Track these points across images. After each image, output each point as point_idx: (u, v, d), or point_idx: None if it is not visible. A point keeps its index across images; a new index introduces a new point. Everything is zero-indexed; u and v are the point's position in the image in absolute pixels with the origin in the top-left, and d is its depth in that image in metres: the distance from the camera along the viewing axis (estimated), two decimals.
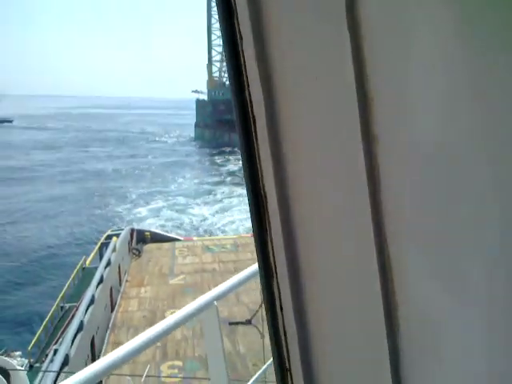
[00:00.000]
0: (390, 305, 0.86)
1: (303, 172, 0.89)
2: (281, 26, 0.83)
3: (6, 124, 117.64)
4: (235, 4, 0.84)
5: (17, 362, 5.00)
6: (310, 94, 0.85)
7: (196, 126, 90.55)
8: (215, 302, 1.89)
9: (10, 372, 4.82)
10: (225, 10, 0.86)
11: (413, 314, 0.86)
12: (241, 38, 0.85)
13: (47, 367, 8.44)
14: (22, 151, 68.27)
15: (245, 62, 0.87)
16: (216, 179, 50.12)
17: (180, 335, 12.77)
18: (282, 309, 0.95)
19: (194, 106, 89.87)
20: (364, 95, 0.80)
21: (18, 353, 5.15)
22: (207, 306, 1.88)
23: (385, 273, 0.85)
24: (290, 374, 0.98)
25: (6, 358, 4.94)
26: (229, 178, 50.23)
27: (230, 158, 65.72)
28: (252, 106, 0.90)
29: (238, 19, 0.84)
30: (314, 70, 0.83)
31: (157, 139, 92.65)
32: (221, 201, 39.80)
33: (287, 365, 0.98)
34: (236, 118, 0.95)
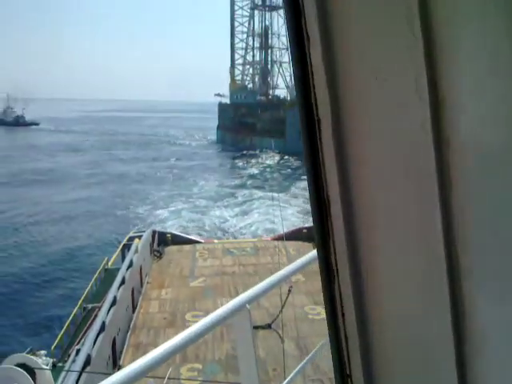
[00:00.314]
0: (457, 314, 0.84)
1: (368, 175, 0.87)
2: (349, 27, 0.82)
3: (33, 127, 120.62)
4: (303, 5, 0.83)
5: (42, 361, 5.11)
6: (378, 96, 0.83)
7: (218, 128, 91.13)
8: (247, 305, 1.87)
9: (36, 371, 4.95)
10: (292, 10, 0.85)
11: (480, 324, 0.83)
12: (308, 39, 0.84)
13: (70, 367, 8.59)
14: (47, 153, 69.86)
15: (311, 63, 0.86)
16: (237, 182, 50.30)
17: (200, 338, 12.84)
18: (343, 314, 0.95)
19: (217, 110, 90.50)
20: (435, 98, 0.78)
21: (43, 352, 5.27)
22: (239, 309, 1.87)
23: (453, 282, 0.83)
24: (351, 379, 0.98)
25: (32, 357, 5.07)
26: (250, 182, 50.34)
27: (251, 161, 65.87)
28: (317, 108, 0.88)
29: (305, 20, 0.83)
30: (383, 71, 0.82)
31: (179, 142, 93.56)
32: (241, 204, 39.92)
33: (348, 370, 0.97)
34: (300, 120, 0.93)
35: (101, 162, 62.46)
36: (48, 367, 5.16)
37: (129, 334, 13.18)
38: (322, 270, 0.96)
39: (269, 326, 11.74)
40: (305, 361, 2.17)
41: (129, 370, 1.44)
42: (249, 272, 17.43)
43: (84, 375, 8.45)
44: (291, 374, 2.33)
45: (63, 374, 7.34)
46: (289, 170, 60.11)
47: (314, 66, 0.85)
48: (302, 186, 48.80)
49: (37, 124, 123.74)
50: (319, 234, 0.96)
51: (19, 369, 4.87)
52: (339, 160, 0.88)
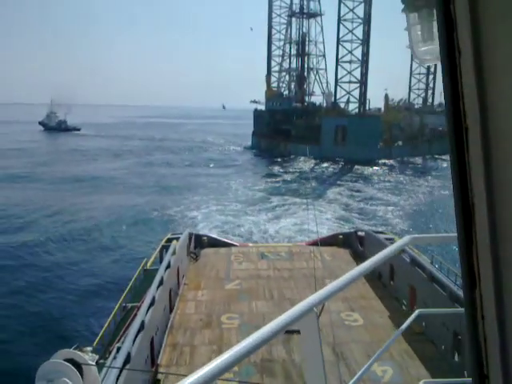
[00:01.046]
0: None
1: None
2: (500, 40, 0.84)
3: (74, 132, 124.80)
4: (455, 18, 0.86)
5: (88, 357, 5.29)
6: None
7: (253, 135, 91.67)
8: (315, 309, 1.89)
9: (83, 366, 5.14)
10: (444, 23, 0.88)
11: None
12: (459, 52, 0.87)
13: (111, 364, 8.83)
14: (88, 158, 72.14)
15: (461, 74, 0.89)
16: (271, 187, 50.42)
17: (235, 340, 12.93)
18: (483, 317, 0.96)
19: (252, 116, 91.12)
20: None
21: (89, 348, 5.46)
22: (306, 312, 1.88)
23: None
24: (489, 380, 0.99)
25: (79, 353, 5.26)
26: (284, 187, 50.36)
27: (286, 167, 65.87)
28: (465, 116, 0.91)
29: (457, 33, 0.87)
30: None
31: (214, 148, 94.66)
32: (275, 208, 39.98)
33: (485, 371, 0.99)
34: (447, 127, 0.96)
35: (139, 166, 63.94)
36: (94, 363, 5.33)
37: (166, 333, 13.41)
38: (465, 274, 0.98)
39: None
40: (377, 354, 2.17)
41: (198, 374, 1.46)
42: (284, 276, 17.40)
43: (124, 373, 8.67)
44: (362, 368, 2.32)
45: (104, 370, 7.56)
46: (324, 176, 59.76)
47: (463, 78, 0.89)
48: (337, 191, 48.41)
49: (78, 129, 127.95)
50: (463, 239, 0.97)
51: (67, 363, 5.07)
52: (486, 167, 0.90)
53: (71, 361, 5.14)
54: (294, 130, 76.75)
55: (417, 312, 2.87)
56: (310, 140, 68.95)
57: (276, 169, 64.41)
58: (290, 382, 9.75)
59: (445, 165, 69.87)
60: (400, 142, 73.89)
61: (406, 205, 43.01)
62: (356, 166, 64.14)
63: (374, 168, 64.82)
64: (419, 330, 14.24)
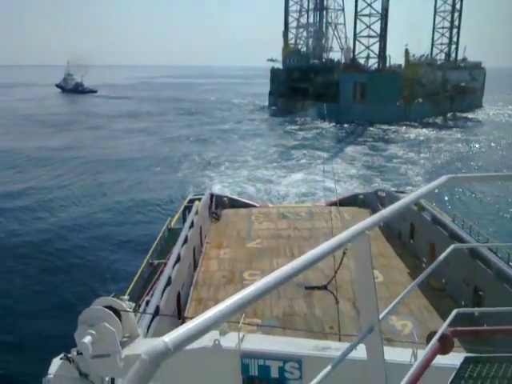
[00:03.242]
0: None
1: None
2: None
3: (91, 94, 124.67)
4: None
5: (126, 305, 5.63)
6: None
7: (270, 94, 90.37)
8: (367, 232, 2.00)
9: (121, 313, 5.49)
10: None
11: None
12: None
13: (141, 317, 9.31)
14: (105, 120, 72.46)
15: None
16: (288, 146, 50.22)
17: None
18: None
19: (269, 75, 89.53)
20: None
21: (125, 297, 5.78)
22: (359, 235, 1.99)
23: None
24: None
25: (118, 301, 5.58)
26: (301, 146, 50.08)
27: (303, 125, 65.24)
28: None
29: None
30: None
31: (232, 107, 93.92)
32: (292, 167, 40.02)
33: None
34: None
35: (156, 128, 64.11)
36: (131, 310, 5.67)
37: (191, 289, 13.98)
38: None
39: (324, 288, 11.99)
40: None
41: (232, 299, 1.37)
42: (304, 236, 17.71)
43: (153, 325, 9.17)
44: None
45: (137, 317, 8.03)
46: (343, 134, 59.12)
47: None
48: (357, 150, 48.00)
49: (95, 91, 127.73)
50: None
51: (107, 310, 5.43)
52: None
53: (110, 308, 5.48)
54: (311, 88, 75.29)
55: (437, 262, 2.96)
56: (328, 98, 67.73)
57: (293, 128, 63.84)
58: (311, 334, 10.12)
59: (468, 123, 68.27)
60: (420, 99, 71.99)
61: (428, 163, 42.50)
62: (376, 125, 63.14)
63: (394, 126, 63.71)
64: (439, 286, 14.50)
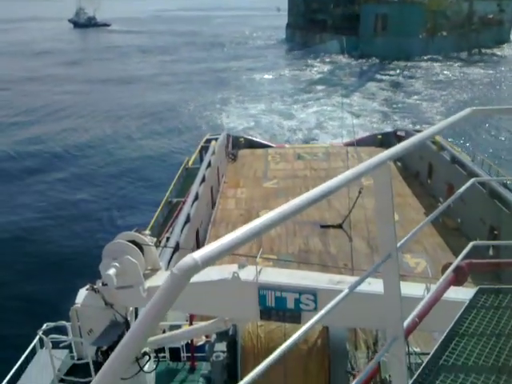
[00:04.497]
0: None
1: None
2: None
3: (104, 28, 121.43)
4: None
5: (147, 239, 5.85)
6: None
7: (287, 27, 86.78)
8: (388, 162, 2.02)
9: (143, 247, 5.73)
10: None
11: None
12: None
13: (162, 251, 9.66)
14: (119, 55, 71.09)
15: None
16: (305, 81, 48.95)
17: (274, 233, 13.74)
18: None
19: (287, 7, 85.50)
20: None
21: (147, 232, 5.99)
22: (381, 164, 1.99)
23: None
24: None
25: (140, 235, 5.80)
26: (319, 81, 48.73)
27: (321, 59, 63.10)
28: None
29: None
30: None
31: (248, 41, 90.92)
32: (309, 103, 39.26)
33: None
34: None
35: (169, 63, 62.78)
36: (153, 244, 5.90)
37: (210, 226, 14.40)
38: None
39: (339, 226, 12.19)
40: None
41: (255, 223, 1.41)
42: (320, 176, 17.76)
43: (174, 259, 9.54)
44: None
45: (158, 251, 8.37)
46: (362, 68, 57.15)
47: None
48: (377, 86, 46.57)
49: (108, 25, 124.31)
50: None
51: (130, 244, 5.66)
52: None
53: (133, 242, 5.71)
54: (330, 20, 71.93)
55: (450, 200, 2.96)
56: (348, 31, 64.79)
57: (311, 62, 61.82)
58: (326, 270, 10.43)
59: (494, 58, 65.13)
60: (444, 33, 68.38)
61: (450, 100, 41.18)
62: (397, 59, 60.72)
63: (416, 61, 61.20)
64: (455, 225, 14.63)
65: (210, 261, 1.19)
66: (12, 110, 37.65)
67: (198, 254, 1.18)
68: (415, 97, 42.55)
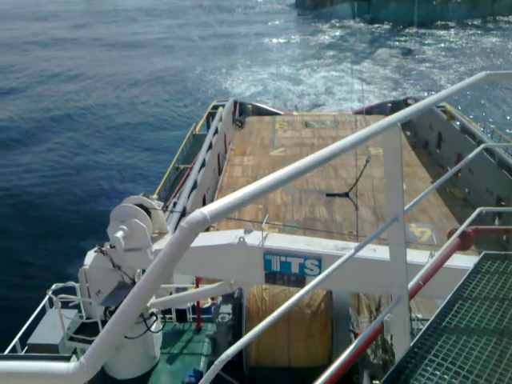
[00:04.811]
0: None
1: None
2: None
3: None
4: None
5: (155, 203, 5.90)
6: None
7: None
8: (398, 124, 1.99)
9: (151, 210, 5.79)
10: None
11: None
12: None
13: (169, 215, 9.74)
14: (125, 18, 69.70)
15: None
16: (315, 47, 47.92)
17: (280, 201, 13.80)
18: None
19: None
20: None
21: (155, 196, 6.04)
22: (391, 125, 1.97)
23: None
24: None
25: (147, 199, 5.85)
26: (328, 47, 47.66)
27: (332, 25, 61.51)
28: None
29: None
30: None
31: (255, 7, 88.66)
32: (319, 69, 38.57)
33: None
34: None
35: (176, 27, 61.57)
36: (160, 208, 5.96)
37: (216, 193, 14.46)
38: None
39: (346, 195, 12.21)
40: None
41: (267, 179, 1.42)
42: (328, 144, 17.60)
43: (183, 220, 9.62)
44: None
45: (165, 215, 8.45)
46: (373, 34, 55.78)
47: None
48: (388, 53, 45.55)
49: None
50: None
51: (138, 207, 5.71)
52: None
53: (140, 206, 5.76)
54: None
55: (462, 164, 2.91)
56: None
57: (321, 27, 60.34)
58: (331, 237, 10.50)
59: (508, 26, 63.16)
60: None
61: (463, 68, 40.26)
62: (409, 25, 59.12)
63: (430, 29, 59.56)
64: (461, 195, 14.57)
65: (218, 216, 1.20)
66: (17, 74, 37.38)
67: (207, 209, 1.19)
68: (427, 64, 41.60)
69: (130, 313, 1.24)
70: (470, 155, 3.11)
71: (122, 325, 1.24)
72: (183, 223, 1.17)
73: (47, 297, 7.31)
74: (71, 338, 7.11)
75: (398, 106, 20.29)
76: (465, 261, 3.98)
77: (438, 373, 2.04)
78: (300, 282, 5.12)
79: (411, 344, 2.20)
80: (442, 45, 50.91)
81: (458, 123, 15.94)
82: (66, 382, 1.28)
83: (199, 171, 12.73)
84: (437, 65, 41.50)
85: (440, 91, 2.67)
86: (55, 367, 1.29)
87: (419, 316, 6.19)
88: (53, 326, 7.22)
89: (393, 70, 39.36)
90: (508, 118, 26.66)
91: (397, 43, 50.54)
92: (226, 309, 6.38)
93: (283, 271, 5.20)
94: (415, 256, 4.32)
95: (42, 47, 48.19)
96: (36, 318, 7.41)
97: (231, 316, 6.29)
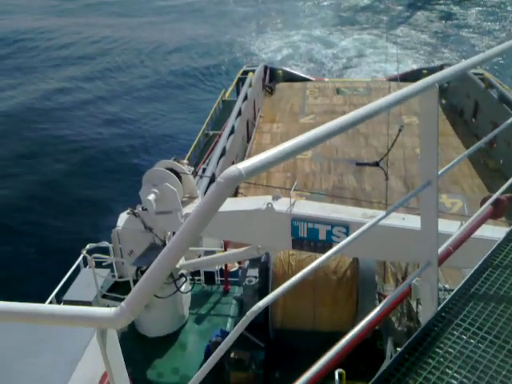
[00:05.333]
0: None
1: None
2: None
3: None
4: None
5: (186, 168, 5.99)
6: None
7: None
8: (437, 84, 1.94)
9: (181, 175, 5.88)
10: None
11: None
12: None
13: (198, 182, 9.86)
14: None
15: None
16: (347, 9, 46.25)
17: (308, 169, 13.73)
18: None
19: None
20: None
21: (185, 161, 6.12)
22: (428, 87, 1.89)
23: None
24: None
25: (178, 164, 5.94)
26: (361, 8, 45.93)
27: None
28: None
29: None
30: None
31: None
32: (351, 31, 37.39)
33: None
34: None
35: None
36: (190, 173, 6.05)
37: (245, 160, 14.51)
38: None
39: (376, 164, 12.00)
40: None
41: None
42: None
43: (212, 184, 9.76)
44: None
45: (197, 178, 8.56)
46: None
47: None
48: (426, 16, 43.57)
49: None
50: None
51: (169, 171, 5.82)
52: None
53: (171, 170, 5.87)
54: None
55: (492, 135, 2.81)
56: None
57: None
58: (359, 205, 10.44)
59: None
60: None
61: (504, 35, 38.24)
62: None
63: None
64: (496, 166, 14.15)
65: (252, 172, 1.23)
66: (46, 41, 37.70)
67: (242, 165, 1.22)
68: (466, 29, 39.68)
69: (166, 263, 1.30)
70: (506, 123, 3.02)
71: (160, 273, 1.30)
72: (219, 178, 1.21)
73: (82, 256, 7.62)
74: (104, 296, 7.43)
75: (433, 72, 19.55)
76: (497, 232, 3.92)
77: (464, 337, 2.06)
78: (327, 248, 5.14)
79: (438, 309, 2.22)
80: (484, 8, 48.25)
81: (496, 92, 15.32)
82: (109, 324, 1.37)
83: (228, 138, 12.75)
84: (477, 30, 39.52)
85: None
86: (99, 311, 1.38)
87: (446, 286, 6.17)
88: (87, 284, 7.55)
89: (430, 35, 37.70)
90: None
91: (436, 6, 48.19)
92: (253, 272, 6.52)
93: (310, 238, 5.24)
94: (445, 225, 4.27)
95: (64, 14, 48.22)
96: (71, 277, 7.74)
97: (258, 279, 6.43)
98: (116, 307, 1.36)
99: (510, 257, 2.58)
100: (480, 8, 48.21)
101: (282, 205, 5.41)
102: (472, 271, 2.46)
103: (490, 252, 2.60)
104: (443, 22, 42.40)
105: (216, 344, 6.14)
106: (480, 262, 2.51)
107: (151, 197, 5.70)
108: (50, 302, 7.24)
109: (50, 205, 15.53)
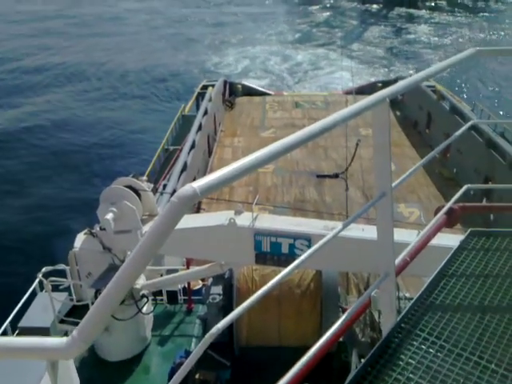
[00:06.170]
0: None
1: None
2: None
3: None
4: None
5: (144, 185, 5.87)
6: None
7: None
8: (387, 99, 1.99)
9: (140, 192, 5.76)
10: None
11: None
12: None
13: (159, 196, 9.70)
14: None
15: None
16: (304, 29, 47.29)
17: (270, 182, 13.80)
18: None
19: None
20: None
21: (144, 178, 6.00)
22: (380, 101, 1.95)
23: None
24: None
25: (137, 181, 5.82)
26: (318, 27, 47.12)
27: (321, 3, 60.74)
28: None
29: None
30: None
31: None
32: (306, 46, 38.37)
33: None
34: None
35: (160, 8, 60.29)
36: (150, 190, 5.93)
37: (206, 175, 14.42)
38: None
39: (336, 176, 12.22)
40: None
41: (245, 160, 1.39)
42: None
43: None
44: None
45: (156, 196, 8.41)
46: (364, 14, 55.23)
47: None
48: (379, 33, 45.18)
49: None
50: None
51: (127, 189, 5.68)
52: None
53: (130, 187, 5.73)
54: None
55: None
56: None
57: (310, 6, 59.57)
58: (320, 218, 10.55)
59: (502, 7, 62.89)
60: None
61: (453, 48, 40.18)
62: (401, 5, 58.59)
63: (420, 9, 59.11)
64: (450, 175, 14.69)
65: (208, 190, 1.20)
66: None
67: (197, 184, 1.19)
68: (418, 45, 41.47)
69: (121, 284, 1.24)
70: (458, 132, 3.13)
71: (115, 296, 1.24)
72: (173, 198, 1.17)
73: (37, 280, 7.30)
74: (62, 321, 7.13)
75: (388, 85, 20.19)
76: (452, 239, 4.03)
77: (423, 347, 2.08)
78: (290, 262, 5.13)
79: (398, 319, 2.24)
80: (434, 25, 50.65)
81: (448, 103, 15.99)
82: (59, 355, 1.29)
83: (189, 153, 12.66)
84: (428, 45, 41.38)
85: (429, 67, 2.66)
86: (49, 342, 1.30)
87: (407, 295, 6.29)
88: (43, 309, 7.22)
89: (384, 49, 39.15)
90: (497, 98, 26.77)
91: (387, 22, 50.15)
92: (217, 290, 6.42)
93: (273, 252, 5.23)
94: (403, 234, 4.36)
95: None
96: (26, 302, 7.39)
97: (222, 297, 6.34)
98: (68, 336, 1.28)
99: (464, 265, 2.65)
100: (429, 25, 50.61)
101: (244, 219, 5.39)
102: (429, 280, 2.50)
103: (445, 261, 2.66)
104: (395, 37, 44.16)
105: (180, 365, 5.95)
106: (436, 272, 2.56)
107: (109, 216, 5.54)
108: (5, 330, 6.89)
109: None
